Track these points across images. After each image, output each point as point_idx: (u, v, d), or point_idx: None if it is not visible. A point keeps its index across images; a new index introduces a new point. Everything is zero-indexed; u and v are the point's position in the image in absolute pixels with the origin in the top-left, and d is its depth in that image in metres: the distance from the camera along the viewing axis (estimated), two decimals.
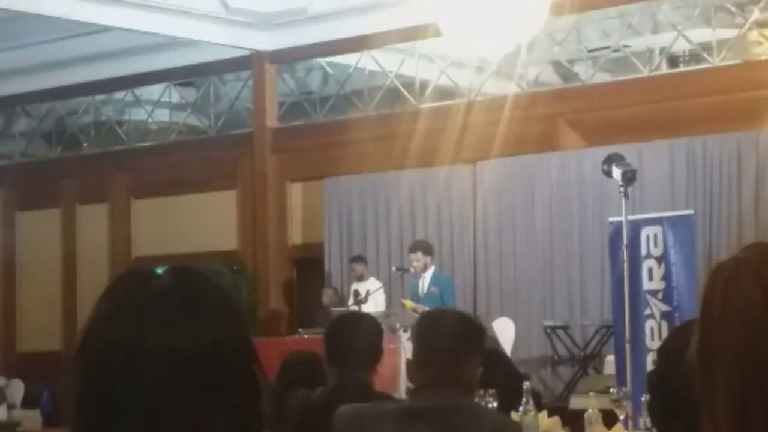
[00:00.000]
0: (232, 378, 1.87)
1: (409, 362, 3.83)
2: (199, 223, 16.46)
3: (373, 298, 12.94)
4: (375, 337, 4.87)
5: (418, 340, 3.87)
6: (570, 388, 12.92)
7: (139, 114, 18.11)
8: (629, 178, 9.66)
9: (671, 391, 2.72)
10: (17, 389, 15.97)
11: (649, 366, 9.20)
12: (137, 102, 18.03)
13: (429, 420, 3.64)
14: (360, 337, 4.79)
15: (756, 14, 13.26)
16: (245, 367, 1.91)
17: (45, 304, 17.61)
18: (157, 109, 17.96)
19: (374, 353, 4.81)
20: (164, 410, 1.80)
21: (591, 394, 5.89)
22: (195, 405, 1.81)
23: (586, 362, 13.09)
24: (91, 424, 1.83)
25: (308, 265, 15.67)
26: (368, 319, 5.13)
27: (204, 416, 1.81)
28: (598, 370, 12.84)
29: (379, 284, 13.52)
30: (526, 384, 5.35)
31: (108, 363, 1.84)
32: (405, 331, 12.18)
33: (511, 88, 14.58)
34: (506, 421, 3.70)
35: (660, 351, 2.96)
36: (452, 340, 3.76)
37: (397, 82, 15.49)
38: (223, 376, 1.86)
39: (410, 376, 3.84)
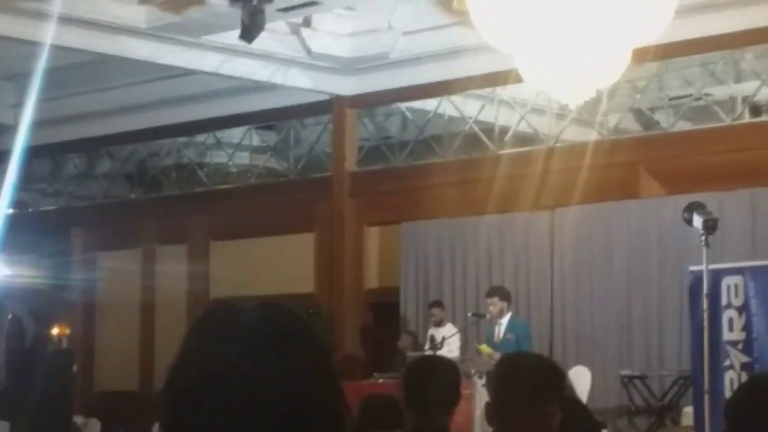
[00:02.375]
0: (319, 415, 1.88)
1: (488, 405, 3.81)
2: (276, 266, 16.55)
3: (448, 343, 12.91)
4: (453, 381, 4.86)
5: (499, 383, 3.85)
6: None
7: (219, 156, 18.30)
8: (710, 226, 9.57)
9: None
10: (94, 428, 16.10)
11: None
12: (218, 145, 18.22)
13: None
14: (438, 381, 4.77)
15: None
16: (332, 404, 1.91)
17: (123, 344, 17.78)
18: (237, 152, 18.13)
19: (452, 397, 4.79)
20: None
21: None
22: None
23: (664, 413, 12.92)
24: None
25: (384, 310, 15.67)
26: (446, 362, 5.12)
27: None
28: (676, 422, 12.67)
29: (455, 330, 13.48)
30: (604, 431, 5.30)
31: (196, 395, 1.85)
32: (480, 377, 12.13)
33: (591, 135, 14.53)
34: None
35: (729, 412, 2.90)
36: (533, 384, 3.74)
37: (476, 128, 15.51)
38: (309, 413, 1.86)
39: (489, 420, 3.82)
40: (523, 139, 15.21)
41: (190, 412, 1.85)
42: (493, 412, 3.79)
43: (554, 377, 3.86)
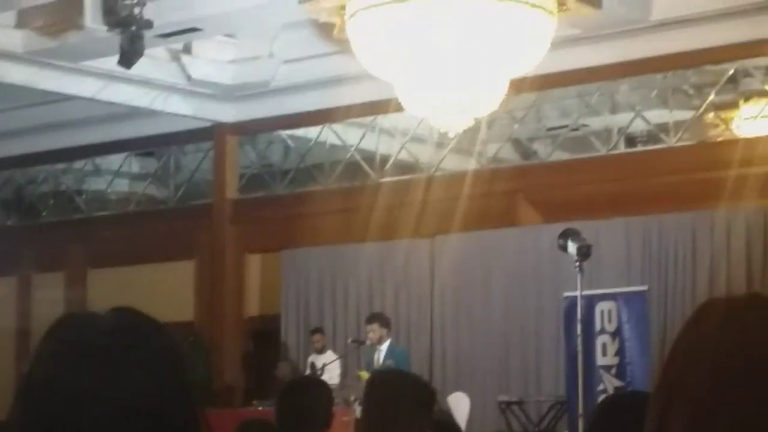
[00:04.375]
0: (170, 422, 1.87)
1: (359, 422, 3.83)
2: (155, 294, 16.34)
3: (328, 370, 12.91)
4: (326, 402, 4.87)
5: (373, 400, 3.86)
6: None
7: (98, 183, 18.09)
8: (584, 253, 9.74)
9: None
10: None
11: None
12: (97, 171, 18.01)
13: None
14: (310, 402, 4.78)
15: (712, 96, 13.45)
16: (184, 411, 1.91)
17: None
18: (116, 179, 17.94)
19: (325, 418, 4.80)
20: None
21: None
22: None
23: None
24: None
25: (265, 338, 15.62)
26: (318, 384, 5.13)
27: None
28: None
29: (335, 357, 13.49)
30: None
31: (48, 404, 1.83)
32: (360, 404, 12.13)
33: (470, 165, 14.69)
34: None
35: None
36: (408, 403, 3.76)
37: (357, 156, 15.57)
38: (160, 420, 1.85)
39: None
40: (403, 168, 15.31)
41: (42, 420, 1.83)
42: (365, 428, 3.81)
43: (428, 396, 3.90)
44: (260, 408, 12.45)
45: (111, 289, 16.75)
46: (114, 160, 17.83)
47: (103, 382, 1.83)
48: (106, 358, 1.86)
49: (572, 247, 9.76)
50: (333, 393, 5.07)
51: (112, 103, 15.33)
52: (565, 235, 10.05)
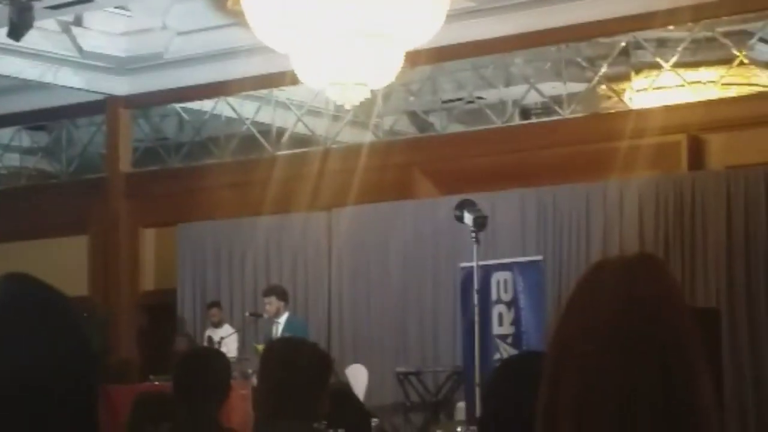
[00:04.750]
0: (65, 398, 1.81)
1: (256, 390, 3.82)
2: (49, 269, 16.02)
3: (226, 344, 12.85)
4: (223, 372, 4.84)
5: (264, 369, 3.85)
6: None
7: None
8: (480, 223, 9.82)
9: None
10: None
11: None
12: None
13: None
14: (208, 372, 4.75)
15: (605, 69, 13.61)
16: (82, 388, 1.86)
17: None
18: (6, 154, 17.62)
19: (222, 388, 4.77)
20: None
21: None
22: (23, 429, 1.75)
23: (438, 408, 13.16)
24: None
25: (161, 312, 15.49)
26: (215, 354, 5.10)
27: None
28: (450, 416, 12.91)
29: (232, 330, 13.43)
30: (375, 420, 5.37)
31: None
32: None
33: (366, 137, 14.70)
34: None
35: (491, 392, 2.96)
36: (307, 372, 3.76)
37: (253, 129, 15.49)
38: (56, 397, 1.80)
39: (257, 405, 3.82)
40: (299, 141, 15.27)
41: None
42: (263, 397, 3.80)
43: (326, 365, 3.90)
44: (156, 383, 12.34)
45: (3, 264, 16.45)
46: (4, 134, 17.50)
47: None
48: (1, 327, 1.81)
49: (468, 217, 9.84)
50: (230, 366, 5.04)
51: (1, 76, 15.03)
52: (461, 206, 10.12)
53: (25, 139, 17.49)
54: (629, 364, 1.69)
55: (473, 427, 6.05)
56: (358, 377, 13.20)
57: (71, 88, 15.55)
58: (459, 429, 5.71)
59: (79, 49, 14.89)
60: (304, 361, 3.82)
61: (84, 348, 1.87)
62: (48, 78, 15.22)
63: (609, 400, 1.68)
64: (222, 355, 5.07)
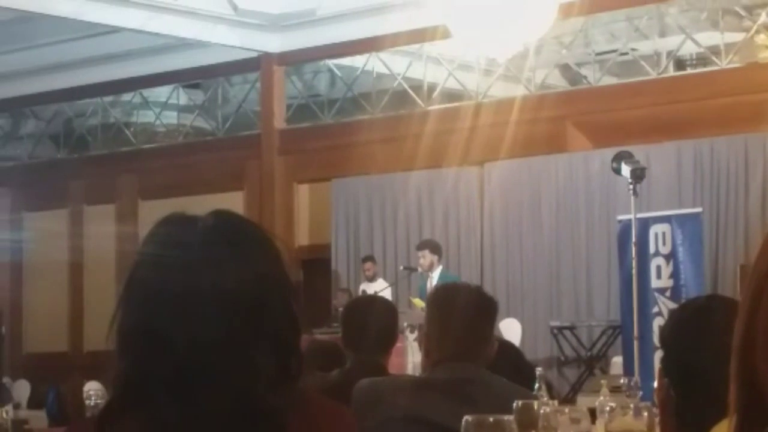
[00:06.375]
0: (274, 315, 1.90)
1: (425, 334, 3.85)
2: None
3: None
4: (390, 320, 4.90)
5: (435, 314, 3.88)
6: (576, 389, 12.92)
7: (147, 116, 18.16)
8: (638, 175, 9.70)
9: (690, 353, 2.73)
10: (23, 389, 15.97)
11: (657, 363, 9.21)
12: (145, 104, 18.07)
13: (445, 391, 3.66)
14: (375, 320, 4.81)
15: (763, 18, 13.28)
16: (286, 304, 1.94)
17: (51, 305, 17.64)
18: (165, 111, 18.00)
19: (389, 335, 4.84)
20: (208, 345, 1.82)
21: (602, 381, 5.91)
22: (238, 340, 1.84)
23: (593, 363, 13.10)
24: (137, 361, 1.86)
25: (315, 267, 15.69)
26: (383, 301, 5.16)
27: (247, 351, 1.84)
28: (604, 371, 12.84)
29: (386, 284, 13.53)
30: (539, 369, 5.37)
31: (155, 301, 1.86)
32: (412, 331, 12.20)
33: (518, 91, 14.62)
34: (521, 390, 3.73)
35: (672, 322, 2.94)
36: (469, 313, 3.78)
37: (405, 85, 15.52)
38: (264, 313, 1.88)
39: (427, 352, 3.85)
40: (451, 96, 15.26)
41: (148, 317, 1.86)
42: (431, 342, 3.83)
43: (489, 305, 3.92)
44: (317, 336, 12.50)
45: None
46: (162, 92, 17.88)
47: (209, 275, 1.86)
48: (212, 253, 1.89)
49: (626, 169, 9.72)
50: (397, 313, 5.09)
51: (158, 35, 15.33)
52: (619, 157, 10.00)
53: (182, 97, 17.84)
54: None
55: (635, 378, 6.01)
56: (511, 332, 13.20)
57: (226, 46, 15.77)
58: (622, 380, 5.66)
59: (234, 7, 15.08)
60: (471, 303, 3.85)
61: (285, 274, 1.96)
62: (204, 36, 15.46)
63: None
64: (389, 303, 5.14)
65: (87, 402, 5.13)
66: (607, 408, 2.98)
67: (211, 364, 1.79)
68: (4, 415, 2.71)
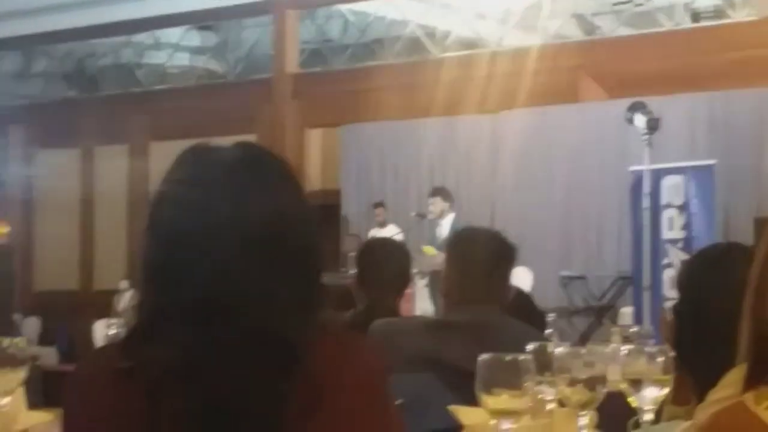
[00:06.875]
0: (297, 247, 1.89)
1: (445, 278, 3.85)
2: None
3: None
4: (403, 262, 4.90)
5: (454, 257, 3.89)
6: (585, 338, 12.93)
7: (158, 57, 18.09)
8: (652, 126, 9.67)
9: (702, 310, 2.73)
10: (33, 326, 16.04)
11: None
12: (157, 45, 18.00)
13: (460, 332, 3.67)
14: (390, 261, 4.81)
15: None
16: (308, 238, 1.93)
17: (62, 244, 17.67)
18: (176, 53, 17.93)
19: (403, 277, 4.84)
20: (231, 276, 1.83)
21: (614, 329, 5.91)
22: (261, 272, 1.84)
23: (602, 313, 13.12)
24: (161, 290, 1.86)
25: (326, 211, 15.66)
26: (397, 244, 5.16)
27: (269, 283, 1.84)
28: (614, 321, 12.84)
29: (397, 230, 13.52)
30: (551, 315, 5.38)
31: (178, 231, 1.86)
32: (422, 277, 12.22)
33: (533, 40, 14.54)
34: (535, 333, 3.74)
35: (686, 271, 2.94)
36: (489, 256, 3.79)
37: (418, 32, 15.44)
38: (288, 245, 1.88)
39: (447, 293, 3.85)
40: (465, 44, 15.18)
41: (172, 247, 1.86)
42: (450, 284, 3.83)
43: (507, 249, 3.93)
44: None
45: (172, 160, 16.84)
46: (173, 34, 17.80)
47: (231, 208, 1.86)
48: (234, 186, 1.88)
49: (640, 119, 9.69)
50: (410, 256, 5.08)
51: None
52: (633, 108, 9.97)
53: (195, 38, 17.76)
54: None
55: (649, 326, 6.02)
56: (522, 280, 13.15)
57: None
58: (635, 328, 5.66)
59: None
60: (490, 246, 3.86)
61: (308, 205, 1.95)
62: None
63: None
64: (402, 245, 5.13)
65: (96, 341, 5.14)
66: (625, 351, 2.95)
67: (230, 296, 1.80)
68: (22, 344, 2.71)
